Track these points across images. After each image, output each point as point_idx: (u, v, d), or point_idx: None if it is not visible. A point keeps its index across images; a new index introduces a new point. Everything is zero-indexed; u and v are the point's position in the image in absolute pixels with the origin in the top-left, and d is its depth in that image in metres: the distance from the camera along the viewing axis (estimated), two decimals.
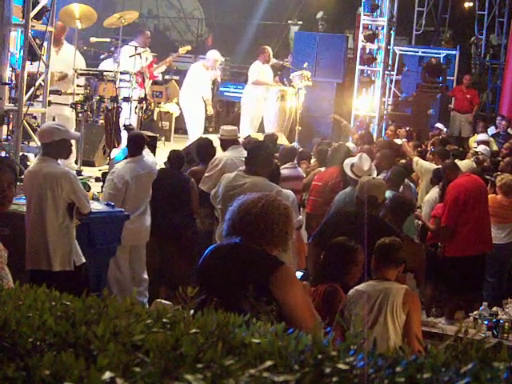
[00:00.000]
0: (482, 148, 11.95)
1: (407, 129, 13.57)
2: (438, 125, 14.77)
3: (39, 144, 8.86)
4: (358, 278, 5.01)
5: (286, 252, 4.18)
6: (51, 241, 6.14)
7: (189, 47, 13.11)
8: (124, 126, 10.48)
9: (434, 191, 9.01)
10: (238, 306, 2.53)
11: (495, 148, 13.47)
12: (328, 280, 4.99)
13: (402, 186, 8.15)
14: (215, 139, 11.69)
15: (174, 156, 8.37)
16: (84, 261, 6.29)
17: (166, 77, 13.62)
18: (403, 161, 9.96)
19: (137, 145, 7.76)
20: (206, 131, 13.67)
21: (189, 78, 12.79)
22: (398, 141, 11.88)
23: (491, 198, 8.64)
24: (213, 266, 3.83)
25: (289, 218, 3.82)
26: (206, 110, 12.72)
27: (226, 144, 8.52)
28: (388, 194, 6.88)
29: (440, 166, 9.09)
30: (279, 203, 3.84)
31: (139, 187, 7.53)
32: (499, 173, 9.43)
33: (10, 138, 8.92)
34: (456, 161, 9.10)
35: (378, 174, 7.84)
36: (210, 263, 3.86)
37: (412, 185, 9.10)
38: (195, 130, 12.51)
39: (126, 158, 7.89)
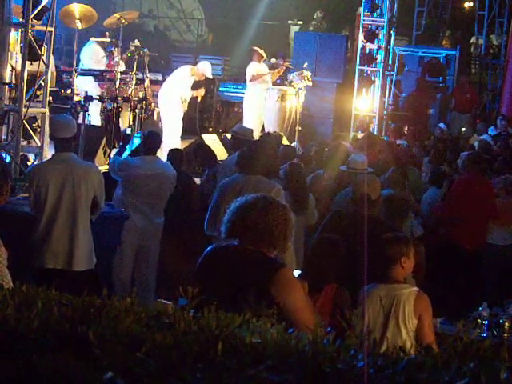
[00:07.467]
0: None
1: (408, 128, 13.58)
2: (441, 125, 14.73)
3: (39, 144, 8.91)
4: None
5: (285, 252, 4.12)
6: (81, 237, 6.02)
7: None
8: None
9: (433, 190, 9.02)
10: (238, 308, 2.53)
11: (495, 149, 13.44)
12: (328, 280, 4.89)
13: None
14: (215, 139, 11.72)
15: (173, 154, 8.32)
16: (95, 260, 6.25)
17: (166, 77, 13.56)
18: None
19: (154, 143, 7.52)
20: (205, 131, 13.65)
21: (172, 77, 12.21)
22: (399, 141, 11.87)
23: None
24: (211, 267, 3.79)
25: (288, 219, 3.77)
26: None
27: (240, 144, 7.88)
28: (385, 192, 6.87)
29: (440, 167, 9.11)
30: (278, 204, 3.79)
31: (156, 186, 7.28)
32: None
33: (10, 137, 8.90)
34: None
35: (379, 175, 7.83)
36: (209, 264, 3.82)
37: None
38: (171, 132, 11.90)
39: (131, 154, 7.73)
